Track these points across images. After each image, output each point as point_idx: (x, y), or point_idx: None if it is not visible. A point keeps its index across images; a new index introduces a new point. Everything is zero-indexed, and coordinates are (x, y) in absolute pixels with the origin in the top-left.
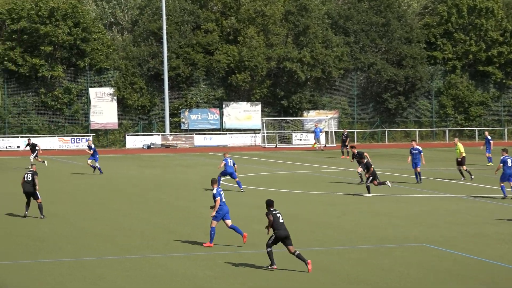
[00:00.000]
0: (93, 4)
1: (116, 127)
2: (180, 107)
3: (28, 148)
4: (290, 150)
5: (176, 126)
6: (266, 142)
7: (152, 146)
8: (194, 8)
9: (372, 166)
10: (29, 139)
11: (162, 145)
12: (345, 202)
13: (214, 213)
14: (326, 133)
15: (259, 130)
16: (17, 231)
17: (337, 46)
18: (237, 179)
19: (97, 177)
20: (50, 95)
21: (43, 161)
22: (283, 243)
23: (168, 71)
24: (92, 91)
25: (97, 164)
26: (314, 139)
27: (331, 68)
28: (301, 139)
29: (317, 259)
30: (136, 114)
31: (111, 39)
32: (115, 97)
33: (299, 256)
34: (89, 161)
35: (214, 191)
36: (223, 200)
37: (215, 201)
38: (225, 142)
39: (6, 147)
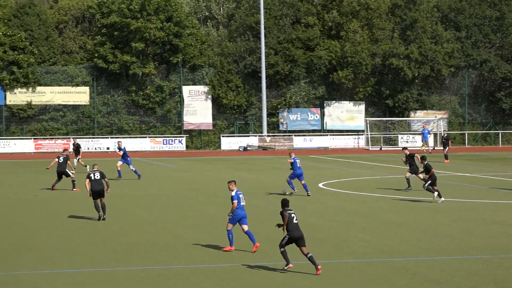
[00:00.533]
0: None
1: (211, 128)
2: (279, 107)
3: (71, 149)
4: (396, 153)
5: (274, 127)
6: (370, 144)
7: (248, 148)
8: (294, 1)
9: (433, 169)
10: (74, 139)
11: (259, 147)
12: (455, 208)
13: (230, 214)
14: (435, 135)
15: (363, 131)
16: (108, 237)
17: (447, 42)
18: (303, 182)
19: (189, 180)
20: (141, 93)
21: (85, 166)
22: (296, 244)
23: (266, 68)
24: (186, 90)
25: (131, 168)
26: (422, 141)
27: (441, 65)
28: (407, 141)
29: (424, 270)
30: (232, 114)
31: (206, 34)
32: (209, 96)
33: (310, 259)
34: (119, 163)
35: (233, 193)
36: (241, 203)
37: (232, 203)
38: (326, 144)
39: (96, 148)
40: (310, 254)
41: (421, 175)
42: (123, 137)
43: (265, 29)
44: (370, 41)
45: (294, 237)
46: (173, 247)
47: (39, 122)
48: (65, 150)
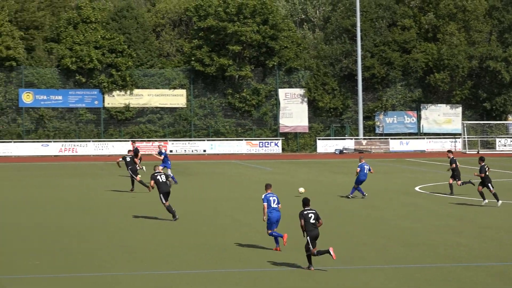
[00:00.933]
0: (283, 0)
1: (307, 131)
2: (375, 110)
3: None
4: (494, 157)
5: (370, 130)
6: (467, 148)
7: (344, 151)
8: (390, 3)
9: (486, 171)
10: (133, 143)
11: (355, 150)
12: None
13: (265, 218)
14: None
15: (459, 134)
16: (202, 239)
17: None
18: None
19: (286, 183)
20: (238, 96)
21: (142, 168)
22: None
23: (362, 71)
24: (282, 92)
25: (169, 172)
26: None
27: None
28: (505, 145)
29: None
30: (328, 117)
31: (302, 37)
32: (305, 99)
33: (318, 253)
34: (160, 168)
35: (262, 196)
36: (273, 206)
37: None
38: (423, 147)
39: (193, 151)
40: (316, 252)
41: (459, 182)
42: (220, 140)
43: (361, 31)
44: (467, 43)
45: (313, 236)
46: (268, 249)
47: (137, 124)
48: (129, 151)
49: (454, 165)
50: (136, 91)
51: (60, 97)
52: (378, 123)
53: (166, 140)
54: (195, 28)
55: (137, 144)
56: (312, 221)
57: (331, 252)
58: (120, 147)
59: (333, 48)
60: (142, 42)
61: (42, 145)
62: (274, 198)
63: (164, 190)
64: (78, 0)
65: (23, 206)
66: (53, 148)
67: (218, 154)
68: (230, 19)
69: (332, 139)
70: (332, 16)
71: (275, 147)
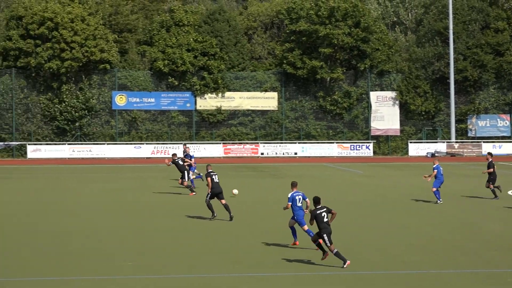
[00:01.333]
0: (375, 2)
1: (398, 134)
2: (467, 113)
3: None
4: None
5: (462, 133)
6: None
7: (436, 154)
8: (483, 5)
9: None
10: (185, 145)
11: (447, 153)
12: None
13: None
14: None
15: None
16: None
17: None
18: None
19: (377, 186)
20: (329, 99)
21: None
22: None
23: (454, 74)
24: (373, 95)
25: (191, 175)
26: None
27: None
28: None
29: None
30: (420, 120)
31: (394, 39)
32: (397, 102)
33: (337, 254)
34: (191, 173)
35: (289, 195)
36: (298, 205)
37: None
38: None
39: (284, 154)
40: (336, 250)
41: (491, 186)
42: (311, 142)
43: (453, 34)
44: None
45: (328, 233)
46: (358, 252)
47: (228, 127)
48: (174, 154)
49: (491, 169)
50: (228, 93)
51: (152, 100)
52: (470, 126)
53: (257, 143)
54: (287, 31)
55: (229, 146)
56: (325, 219)
57: (345, 266)
58: (212, 149)
59: (425, 50)
60: (234, 45)
61: (134, 147)
62: (300, 196)
63: (217, 191)
64: (171, 3)
65: (118, 209)
66: (146, 150)
67: (309, 156)
68: (321, 22)
69: (424, 142)
70: (425, 18)
71: (366, 150)
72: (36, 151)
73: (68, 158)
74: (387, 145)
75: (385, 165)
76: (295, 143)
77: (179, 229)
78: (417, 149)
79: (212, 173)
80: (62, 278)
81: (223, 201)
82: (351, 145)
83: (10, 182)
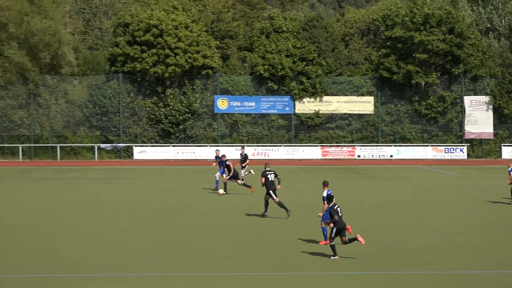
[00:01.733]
0: (469, 9)
1: (492, 137)
2: None
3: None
4: None
5: None
6: None
7: None
8: None
9: None
10: (242, 147)
11: None
12: None
13: (320, 214)
14: None
15: None
16: (389, 241)
17: None
18: None
19: (470, 188)
20: (424, 103)
21: (250, 172)
22: (339, 235)
23: None
24: (467, 100)
25: (216, 177)
26: None
27: None
28: None
29: None
30: None
31: (487, 45)
32: (490, 106)
33: (349, 241)
34: (224, 176)
35: (324, 194)
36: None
37: (324, 204)
38: None
39: (380, 156)
40: (346, 240)
41: None
42: (406, 145)
43: None
44: None
45: (340, 228)
46: (453, 253)
47: (326, 130)
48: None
49: None
50: (325, 98)
51: (253, 104)
52: None
53: (354, 146)
54: (383, 37)
55: (326, 149)
56: (340, 214)
57: (359, 239)
58: (310, 152)
59: None
60: (331, 50)
61: (236, 149)
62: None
63: (271, 189)
64: (271, 10)
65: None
66: (247, 152)
67: (404, 159)
68: (416, 28)
69: None
70: None
71: (460, 153)
72: (142, 152)
73: (172, 159)
74: (481, 148)
75: (478, 167)
76: (391, 146)
77: (290, 228)
78: (510, 152)
79: (268, 173)
80: (181, 274)
81: (276, 199)
82: (445, 148)
83: (118, 182)
